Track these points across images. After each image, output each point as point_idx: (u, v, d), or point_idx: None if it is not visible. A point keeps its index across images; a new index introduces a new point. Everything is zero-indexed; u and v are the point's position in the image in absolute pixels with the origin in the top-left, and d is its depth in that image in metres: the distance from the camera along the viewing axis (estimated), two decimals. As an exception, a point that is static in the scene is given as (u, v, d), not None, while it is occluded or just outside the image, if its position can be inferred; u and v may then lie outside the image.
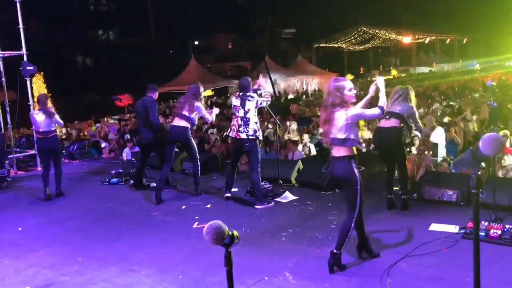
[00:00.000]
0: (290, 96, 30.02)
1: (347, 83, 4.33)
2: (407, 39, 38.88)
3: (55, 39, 31.08)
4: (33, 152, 10.50)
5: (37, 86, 12.34)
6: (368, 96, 4.74)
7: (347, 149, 4.25)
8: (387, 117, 5.82)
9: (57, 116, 7.66)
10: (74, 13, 32.72)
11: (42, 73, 12.56)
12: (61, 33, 32.08)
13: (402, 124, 5.84)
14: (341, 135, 4.21)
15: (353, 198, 4.27)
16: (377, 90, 4.61)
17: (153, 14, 39.97)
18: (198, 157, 7.18)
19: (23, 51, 9.81)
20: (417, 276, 4.14)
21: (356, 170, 4.24)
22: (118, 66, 33.97)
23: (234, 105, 6.59)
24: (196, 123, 7.34)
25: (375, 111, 4.41)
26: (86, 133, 15.08)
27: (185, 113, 6.95)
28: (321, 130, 4.58)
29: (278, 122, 8.14)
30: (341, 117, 4.21)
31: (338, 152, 4.29)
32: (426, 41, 40.88)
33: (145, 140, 7.68)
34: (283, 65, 34.05)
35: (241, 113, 6.48)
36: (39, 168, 10.15)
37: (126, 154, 11.32)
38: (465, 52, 42.24)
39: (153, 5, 39.73)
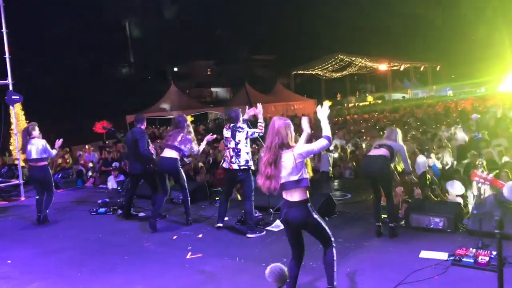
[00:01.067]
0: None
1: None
2: (382, 67, 39.91)
3: (30, 65, 30.85)
4: (16, 182, 10.36)
5: (16, 113, 12.23)
6: (305, 133, 4.28)
7: (302, 191, 4.04)
8: (377, 146, 6.07)
9: (48, 146, 7.71)
10: (51, 40, 32.62)
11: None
12: (37, 60, 31.87)
13: (390, 155, 6.06)
14: (294, 177, 4.00)
15: (323, 234, 4.18)
16: (317, 122, 4.40)
17: (131, 40, 40.16)
18: (187, 187, 7.25)
19: (9, 80, 9.79)
20: (412, 303, 4.27)
21: (313, 213, 4.08)
22: (96, 93, 33.84)
23: (226, 137, 6.74)
24: (187, 155, 7.39)
25: (323, 142, 4.07)
26: (67, 161, 14.90)
27: (176, 144, 7.05)
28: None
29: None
30: (289, 158, 4.01)
31: (292, 196, 4.04)
32: (401, 69, 42.04)
33: (134, 171, 7.71)
34: (262, 92, 34.46)
35: (232, 144, 6.61)
36: (22, 198, 10.04)
37: (111, 182, 11.26)
38: (438, 79, 43.53)
39: (132, 32, 39.97)
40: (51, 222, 7.85)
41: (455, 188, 7.46)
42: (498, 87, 34.65)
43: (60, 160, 12.89)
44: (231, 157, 6.59)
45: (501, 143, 10.79)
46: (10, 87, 9.78)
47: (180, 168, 7.22)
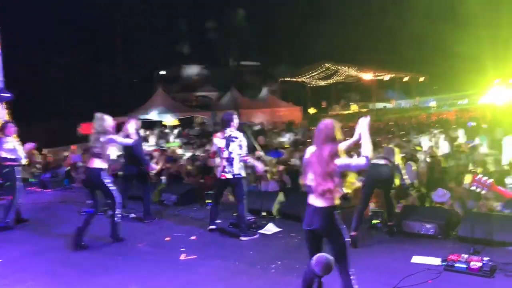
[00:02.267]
0: (257, 128, 30.35)
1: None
2: (367, 76, 40.34)
3: (18, 63, 30.40)
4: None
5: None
6: (354, 139, 4.24)
7: (332, 198, 3.89)
8: (379, 157, 6.25)
9: (18, 147, 7.49)
10: (40, 39, 32.23)
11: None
12: (25, 58, 31.46)
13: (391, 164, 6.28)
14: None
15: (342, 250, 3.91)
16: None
17: (119, 42, 39.91)
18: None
19: (1, 77, 9.69)
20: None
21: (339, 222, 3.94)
22: (82, 93, 33.51)
23: (219, 147, 6.65)
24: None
25: (361, 161, 3.83)
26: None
27: (98, 151, 6.37)
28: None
29: (262, 156, 8.35)
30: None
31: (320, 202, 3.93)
32: (386, 79, 42.54)
33: (127, 171, 7.69)
34: (249, 97, 34.55)
35: (225, 154, 6.58)
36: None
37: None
38: (422, 90, 44.19)
39: (120, 34, 39.74)
40: (42, 222, 7.73)
41: (441, 197, 7.59)
42: (479, 100, 35.32)
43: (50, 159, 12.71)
44: (224, 167, 6.59)
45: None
46: (1, 85, 9.68)
47: (104, 179, 6.42)
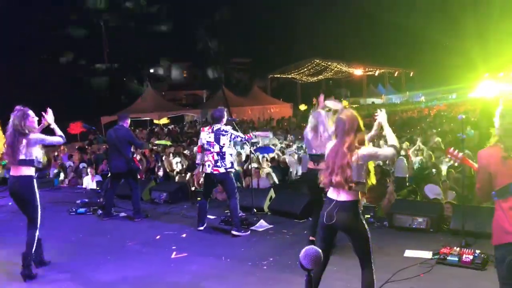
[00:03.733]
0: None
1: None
2: (357, 71, 40.49)
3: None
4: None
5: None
6: (373, 133, 4.28)
7: (354, 192, 3.71)
8: None
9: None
10: (28, 37, 31.91)
11: None
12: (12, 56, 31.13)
13: None
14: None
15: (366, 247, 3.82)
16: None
17: (107, 41, 39.64)
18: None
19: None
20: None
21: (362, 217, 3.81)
22: (70, 93, 33.25)
23: (208, 141, 6.52)
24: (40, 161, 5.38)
25: (389, 151, 3.79)
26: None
27: (22, 157, 5.12)
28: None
29: (253, 153, 8.30)
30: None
31: (343, 196, 3.73)
32: (376, 74, 42.73)
33: (115, 170, 7.59)
34: (238, 95, 34.48)
35: (216, 148, 6.48)
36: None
37: (87, 183, 11.06)
38: (411, 84, 44.45)
39: (108, 33, 39.48)
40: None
41: (432, 192, 7.61)
42: (469, 94, 35.56)
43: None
44: (216, 161, 6.47)
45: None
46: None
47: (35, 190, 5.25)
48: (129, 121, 7.77)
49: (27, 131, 5.12)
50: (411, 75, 44.01)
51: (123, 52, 37.85)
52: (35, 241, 5.24)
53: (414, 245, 5.69)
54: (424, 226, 6.20)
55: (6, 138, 5.18)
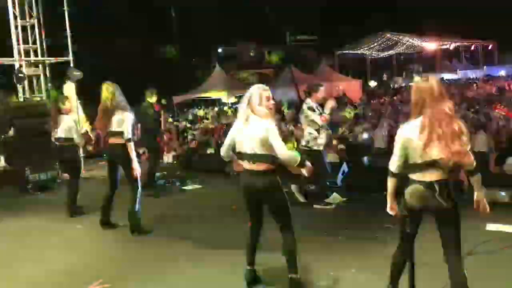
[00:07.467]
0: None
1: None
2: (431, 46, 38.70)
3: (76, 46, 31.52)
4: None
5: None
6: None
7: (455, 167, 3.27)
8: None
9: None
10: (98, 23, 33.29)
11: None
12: (83, 41, 32.65)
13: None
14: None
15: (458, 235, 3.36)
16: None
17: (176, 22, 40.57)
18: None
19: (70, 57, 10.17)
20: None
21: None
22: (142, 74, 34.48)
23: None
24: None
25: None
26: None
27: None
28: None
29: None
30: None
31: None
32: (451, 48, 40.65)
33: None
34: (306, 72, 34.14)
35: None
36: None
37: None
38: (490, 59, 41.88)
39: (176, 14, 40.38)
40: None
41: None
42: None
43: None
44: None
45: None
46: (71, 64, 10.15)
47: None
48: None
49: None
50: (489, 47, 41.41)
51: (193, 33, 38.62)
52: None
53: (497, 219, 5.48)
54: (507, 199, 5.97)
55: None
